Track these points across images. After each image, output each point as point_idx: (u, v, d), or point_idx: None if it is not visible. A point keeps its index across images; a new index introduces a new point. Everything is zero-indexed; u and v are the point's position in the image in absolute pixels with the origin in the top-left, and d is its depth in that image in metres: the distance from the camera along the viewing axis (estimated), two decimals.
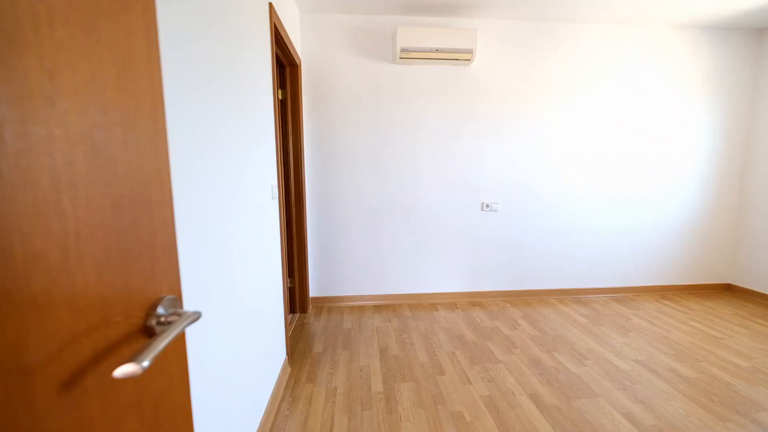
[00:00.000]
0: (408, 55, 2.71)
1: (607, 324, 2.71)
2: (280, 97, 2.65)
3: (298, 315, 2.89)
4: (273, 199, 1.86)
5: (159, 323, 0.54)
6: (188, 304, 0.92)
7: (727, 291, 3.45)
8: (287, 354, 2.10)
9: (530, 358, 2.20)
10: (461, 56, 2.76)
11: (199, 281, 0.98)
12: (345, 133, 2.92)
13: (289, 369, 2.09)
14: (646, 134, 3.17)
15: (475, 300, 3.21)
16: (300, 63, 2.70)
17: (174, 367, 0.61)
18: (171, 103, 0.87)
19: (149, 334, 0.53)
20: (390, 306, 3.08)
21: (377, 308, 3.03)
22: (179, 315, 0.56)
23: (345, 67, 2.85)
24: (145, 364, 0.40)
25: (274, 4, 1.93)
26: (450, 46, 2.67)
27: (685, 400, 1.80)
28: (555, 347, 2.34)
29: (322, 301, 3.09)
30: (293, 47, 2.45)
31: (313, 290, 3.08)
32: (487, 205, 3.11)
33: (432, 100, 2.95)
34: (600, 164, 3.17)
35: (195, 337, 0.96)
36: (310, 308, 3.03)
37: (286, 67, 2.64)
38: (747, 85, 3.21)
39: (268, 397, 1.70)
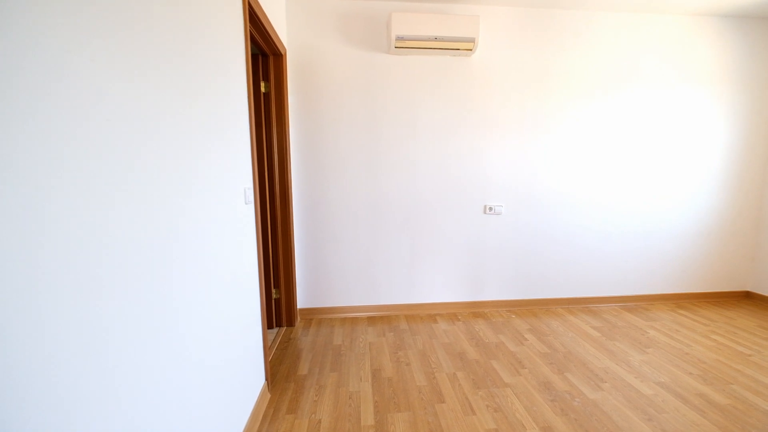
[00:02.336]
0: (404, 44, 2.47)
1: (621, 338, 2.47)
2: (263, 90, 2.41)
3: (284, 329, 2.65)
4: (247, 204, 1.62)
5: None
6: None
7: (747, 299, 3.22)
8: (267, 378, 1.86)
9: (540, 381, 1.97)
10: (462, 46, 2.52)
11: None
12: (336, 129, 2.68)
13: (269, 396, 1.85)
14: (661, 133, 2.94)
15: (477, 310, 2.98)
16: (285, 53, 2.46)
17: None
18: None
19: None
20: (385, 318, 2.84)
21: (371, 320, 2.79)
22: None
23: (335, 58, 2.61)
24: None
25: None
26: (450, 34, 2.44)
27: None
28: (567, 367, 2.11)
29: (312, 313, 2.85)
30: (277, 35, 2.21)
31: (302, 301, 2.84)
32: (491, 208, 2.87)
33: (430, 95, 2.71)
34: (612, 165, 2.93)
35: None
36: (299, 320, 2.79)
37: (269, 57, 2.40)
38: (765, 82, 2.98)
39: None
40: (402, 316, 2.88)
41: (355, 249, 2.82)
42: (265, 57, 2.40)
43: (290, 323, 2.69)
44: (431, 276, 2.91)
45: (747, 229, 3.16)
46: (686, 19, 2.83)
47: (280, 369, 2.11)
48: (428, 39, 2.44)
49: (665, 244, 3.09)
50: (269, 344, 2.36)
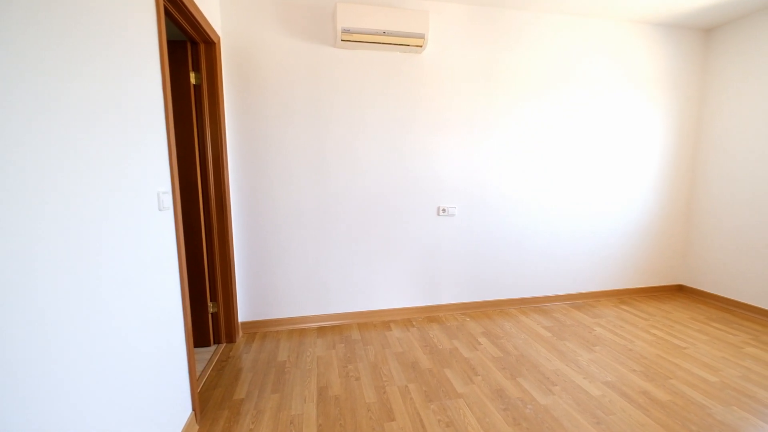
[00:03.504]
0: (351, 37, 2.33)
1: (571, 337, 2.50)
2: (193, 81, 2.16)
3: (224, 346, 2.40)
4: (163, 210, 1.39)
5: None
6: None
7: (680, 292, 3.44)
8: (194, 408, 1.63)
9: (493, 389, 1.91)
10: (412, 42, 2.42)
11: None
12: (278, 127, 2.47)
13: (197, 428, 1.62)
14: (603, 135, 3.05)
15: (432, 315, 2.90)
16: (219, 42, 2.22)
17: None
18: None
19: None
20: (336, 328, 2.67)
21: (321, 331, 2.62)
22: None
23: (278, 50, 2.41)
24: None
25: None
26: (399, 29, 2.33)
27: None
28: (520, 371, 2.08)
29: (257, 326, 2.62)
30: (206, 21, 1.97)
31: (245, 314, 2.60)
32: (444, 210, 2.81)
33: (380, 92, 2.59)
34: (559, 167, 2.99)
35: None
36: (241, 335, 2.55)
37: (199, 45, 2.15)
38: (696, 86, 3.20)
39: None
40: (354, 324, 2.73)
41: (303, 255, 2.63)
42: (194, 45, 2.15)
43: (231, 339, 2.44)
44: (385, 281, 2.79)
45: (678, 228, 3.37)
46: (625, 25, 2.95)
47: (214, 394, 1.88)
48: (376, 33, 2.32)
49: (608, 244, 3.21)
50: (203, 366, 2.12)
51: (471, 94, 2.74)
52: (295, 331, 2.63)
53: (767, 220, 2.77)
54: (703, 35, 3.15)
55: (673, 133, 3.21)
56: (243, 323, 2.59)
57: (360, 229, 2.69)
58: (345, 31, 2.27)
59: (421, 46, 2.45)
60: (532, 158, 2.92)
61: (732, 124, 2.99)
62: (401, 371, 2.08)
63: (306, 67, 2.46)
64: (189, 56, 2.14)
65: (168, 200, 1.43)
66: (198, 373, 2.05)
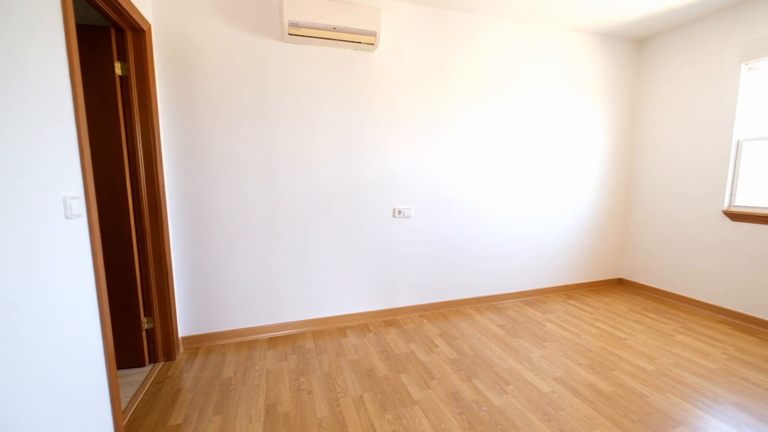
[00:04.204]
0: (299, 31, 2.21)
1: (523, 334, 2.56)
2: (118, 72, 1.93)
3: (161, 365, 2.18)
4: (71, 218, 1.20)
5: None
6: None
7: (620, 285, 3.67)
8: None
9: (449, 392, 1.89)
10: (364, 39, 2.35)
11: None
12: (223, 124, 2.29)
13: None
14: (552, 137, 3.17)
15: (389, 318, 2.85)
16: (149, 29, 2.01)
17: None
18: None
19: None
20: (289, 337, 2.54)
21: (272, 342, 2.47)
22: None
23: (219, 41, 2.23)
24: None
25: None
26: (350, 25, 2.25)
27: (608, 425, 1.64)
28: (475, 372, 2.08)
29: (200, 341, 2.41)
30: (133, 6, 1.77)
31: (187, 328, 2.38)
32: (400, 212, 2.77)
33: (333, 89, 2.49)
34: (510, 168, 3.07)
35: None
36: (181, 352, 2.33)
37: (125, 32, 1.93)
38: (631, 92, 3.43)
39: None
40: (309, 333, 2.61)
41: (251, 262, 2.46)
42: (120, 31, 1.92)
43: (169, 357, 2.23)
44: (340, 286, 2.70)
45: (618, 225, 3.60)
46: (569, 32, 3.09)
47: (146, 422, 1.68)
48: (326, 28, 2.22)
49: (556, 242, 3.35)
50: (135, 390, 1.90)
51: (424, 94, 2.72)
52: (243, 343, 2.45)
53: (690, 217, 3.03)
54: (636, 45, 3.38)
55: (612, 136, 3.42)
56: (184, 338, 2.37)
57: (314, 232, 2.58)
58: (292, 24, 2.15)
59: (373, 44, 2.39)
60: (484, 159, 2.97)
61: (660, 128, 3.24)
62: (356, 380, 2.00)
63: (251, 61, 2.30)
64: (113, 44, 1.91)
65: (79, 206, 1.24)
66: (128, 400, 1.83)
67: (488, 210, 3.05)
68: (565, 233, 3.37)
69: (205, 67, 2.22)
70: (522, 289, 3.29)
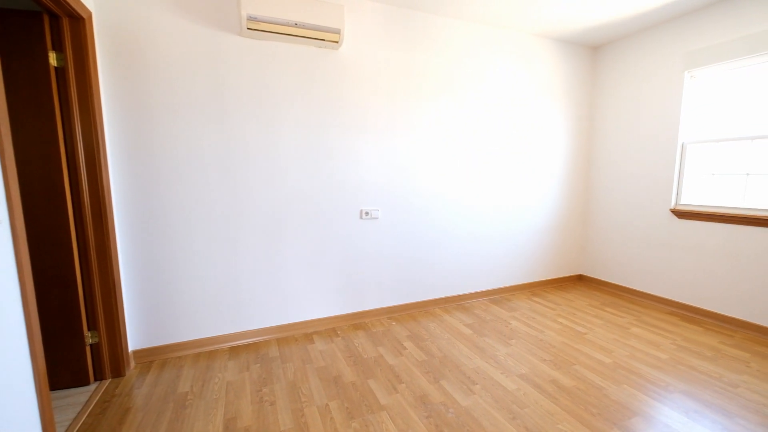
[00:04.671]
0: (258, 26, 2.12)
1: (490, 332, 2.60)
2: (54, 63, 1.76)
3: (108, 382, 2.01)
4: None
5: None
6: None
7: (580, 281, 3.83)
8: None
9: (417, 396, 1.87)
10: (327, 37, 2.29)
11: None
12: (178, 123, 2.15)
13: None
14: (517, 139, 3.25)
15: (357, 321, 2.80)
16: (90, 17, 1.84)
17: None
18: None
19: None
20: (252, 346, 2.42)
21: (234, 351, 2.35)
22: None
23: (171, 33, 2.09)
24: None
25: None
26: (313, 21, 2.18)
27: (570, 419, 1.68)
28: (443, 373, 2.07)
29: (154, 354, 2.25)
30: None
31: (139, 340, 2.21)
32: (367, 213, 2.73)
33: (297, 88, 2.41)
34: (476, 169, 3.11)
35: None
36: (132, 367, 2.16)
37: (61, 19, 1.76)
38: (588, 97, 3.59)
39: None
40: (273, 340, 2.50)
41: (211, 267, 2.33)
42: (55, 18, 1.75)
43: (118, 373, 2.05)
44: (307, 290, 2.62)
45: (577, 223, 3.76)
46: (531, 37, 3.18)
47: None
48: (287, 24, 2.14)
49: (521, 241, 3.44)
50: (77, 412, 1.73)
51: (390, 93, 2.70)
52: (202, 354, 2.31)
53: (642, 216, 3.21)
54: (592, 52, 3.54)
55: (572, 139, 3.56)
56: (136, 352, 2.20)
57: (277, 236, 2.48)
58: (251, 18, 2.06)
59: (337, 42, 2.34)
60: (450, 160, 2.99)
61: (614, 131, 3.41)
62: (322, 388, 1.94)
63: (208, 55, 2.18)
64: (47, 32, 1.73)
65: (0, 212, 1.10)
66: (67, 424, 1.66)
67: (456, 210, 3.07)
68: (529, 232, 3.46)
69: (159, 61, 2.07)
70: (489, 288, 3.34)
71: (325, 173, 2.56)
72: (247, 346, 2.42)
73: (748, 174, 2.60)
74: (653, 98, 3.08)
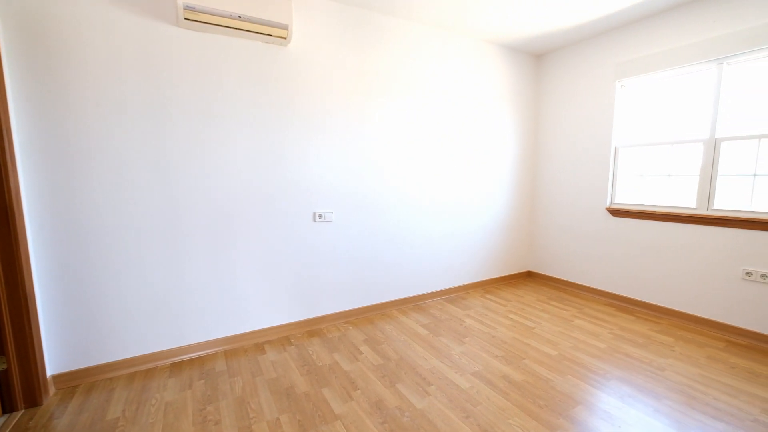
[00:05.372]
0: (197, 16, 1.97)
1: (445, 332, 2.63)
2: None
3: (20, 414, 1.75)
4: None
5: None
6: None
7: (529, 277, 4.02)
8: None
9: (372, 402, 1.83)
10: (275, 32, 2.19)
11: None
12: (105, 121, 1.94)
13: None
14: (469, 141, 3.34)
15: (313, 328, 2.71)
16: None
17: None
18: None
19: None
20: (196, 361, 2.25)
21: (176, 368, 2.16)
22: None
23: (94, 20, 1.88)
24: None
25: None
26: (258, 15, 2.07)
27: (520, 414, 1.73)
28: (399, 376, 2.06)
29: (79, 377, 2.01)
30: None
31: (60, 364, 1.96)
32: (320, 215, 2.65)
33: (243, 84, 2.28)
34: (429, 170, 3.15)
35: None
36: (52, 393, 1.91)
37: None
38: (533, 102, 3.78)
39: None
40: (220, 353, 2.34)
41: (147, 277, 2.13)
42: None
43: (32, 402, 1.80)
44: (257, 297, 2.48)
45: (526, 223, 3.94)
46: (480, 43, 3.29)
47: None
48: (230, 16, 2.01)
49: (474, 240, 3.53)
50: None
51: (343, 93, 2.65)
52: (138, 373, 2.11)
53: (581, 214, 3.44)
54: (536, 59, 3.74)
55: (520, 141, 3.72)
56: (57, 376, 1.95)
57: (224, 241, 2.33)
58: (188, 8, 1.91)
59: (285, 38, 2.24)
60: (404, 161, 3.00)
61: (557, 135, 3.63)
62: (273, 402, 1.84)
63: (141, 47, 1.99)
64: None
65: None
66: None
67: (412, 211, 3.09)
68: (481, 231, 3.57)
69: (77, 50, 1.85)
70: (445, 287, 3.40)
71: (275, 174, 2.45)
72: (191, 361, 2.25)
73: (669, 175, 2.87)
74: (590, 104, 3.31)
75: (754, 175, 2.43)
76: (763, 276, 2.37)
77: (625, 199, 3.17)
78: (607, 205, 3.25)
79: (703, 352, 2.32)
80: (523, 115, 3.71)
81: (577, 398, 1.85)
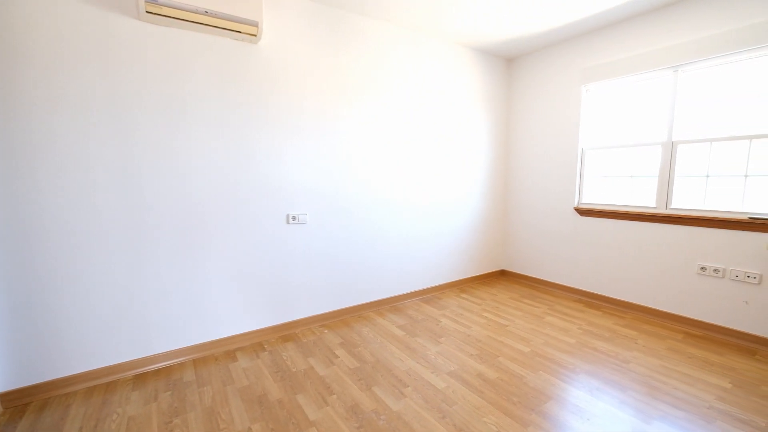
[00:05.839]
0: (160, 10, 1.88)
1: (421, 332, 2.64)
2: None
3: None
4: None
5: None
6: None
7: (502, 276, 4.11)
8: None
9: (348, 406, 1.80)
10: (244, 29, 2.13)
11: None
12: (60, 120, 1.81)
13: None
14: (444, 143, 3.37)
15: (287, 333, 2.65)
16: None
17: None
18: None
19: None
20: (162, 371, 2.14)
21: (140, 379, 2.05)
22: None
23: (45, 13, 1.75)
24: None
25: None
26: (226, 11, 2.00)
27: (495, 411, 1.76)
28: (375, 379, 2.04)
29: (31, 393, 1.86)
30: None
31: (10, 380, 1.81)
32: (294, 218, 2.60)
33: (211, 82, 2.19)
34: (405, 171, 3.16)
35: None
36: None
37: None
38: (505, 105, 3.87)
39: None
40: (189, 362, 2.24)
41: (108, 286, 2.01)
42: None
43: None
44: (228, 303, 2.40)
45: (499, 222, 4.03)
46: (454, 46, 3.33)
47: None
48: (195, 11, 1.93)
49: (449, 240, 3.57)
50: None
51: (316, 93, 2.61)
52: (98, 387, 1.98)
53: (551, 214, 3.55)
54: (507, 63, 3.83)
55: (492, 143, 3.80)
56: (5, 394, 1.80)
57: (193, 245, 2.23)
58: (150, 1, 1.81)
59: (255, 35, 2.18)
60: (380, 162, 2.99)
61: (527, 137, 3.73)
62: (245, 411, 1.77)
63: (99, 41, 1.87)
64: None
65: None
66: None
67: (387, 212, 3.08)
68: (456, 232, 3.62)
69: (31, 46, 1.72)
70: (421, 288, 3.42)
71: (248, 176, 2.38)
72: (157, 371, 2.14)
73: (632, 176, 3.01)
74: (558, 108, 3.43)
75: (707, 176, 2.59)
76: (715, 270, 2.53)
77: (592, 199, 3.30)
78: (575, 205, 3.37)
79: (664, 344, 2.45)
80: (495, 118, 3.80)
81: (548, 393, 1.90)
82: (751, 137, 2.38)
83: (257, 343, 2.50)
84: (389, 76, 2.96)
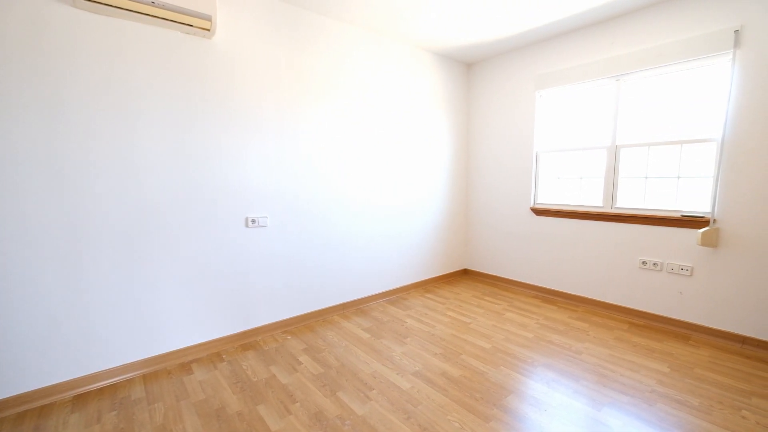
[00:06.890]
0: None
1: (387, 334, 2.64)
2: None
3: None
4: None
5: None
6: None
7: (465, 275, 4.22)
8: None
9: (312, 413, 1.76)
10: (196, 23, 2.02)
11: None
12: None
13: None
14: (407, 145, 3.40)
15: (247, 341, 2.54)
16: None
17: None
18: None
19: None
20: (108, 389, 1.97)
21: (80, 400, 1.87)
22: None
23: None
24: None
25: None
26: (175, 3, 1.88)
27: (458, 408, 1.79)
28: (340, 384, 2.01)
29: None
30: None
31: None
32: (253, 221, 2.50)
33: (158, 77, 2.06)
34: (368, 172, 3.15)
35: None
36: None
37: None
38: (465, 108, 3.98)
39: None
40: (138, 377, 2.08)
41: (42, 297, 1.81)
42: None
43: None
44: (182, 312, 2.26)
45: (461, 222, 4.13)
46: (414, 49, 3.37)
47: None
48: (140, 1, 1.80)
49: (413, 240, 3.61)
50: None
51: (278, 92, 2.53)
52: (30, 412, 1.78)
53: (509, 214, 3.70)
54: (467, 68, 3.95)
55: (454, 145, 3.89)
56: None
57: (140, 251, 2.08)
58: None
59: (209, 30, 2.07)
60: (342, 163, 2.96)
61: (486, 140, 3.86)
62: (201, 426, 1.67)
63: (24, 28, 1.69)
64: None
65: None
66: None
67: (351, 214, 3.05)
68: (420, 232, 3.66)
69: None
70: (386, 289, 3.42)
71: (202, 177, 2.25)
72: (101, 390, 1.96)
73: (581, 178, 3.21)
74: (514, 112, 3.58)
75: (646, 177, 2.81)
76: (654, 264, 2.75)
77: (546, 199, 3.48)
78: (531, 205, 3.53)
79: (612, 334, 2.62)
80: (457, 120, 3.89)
81: (509, 387, 1.96)
82: (682, 142, 2.61)
83: (215, 353, 2.37)
84: (352, 77, 2.94)
